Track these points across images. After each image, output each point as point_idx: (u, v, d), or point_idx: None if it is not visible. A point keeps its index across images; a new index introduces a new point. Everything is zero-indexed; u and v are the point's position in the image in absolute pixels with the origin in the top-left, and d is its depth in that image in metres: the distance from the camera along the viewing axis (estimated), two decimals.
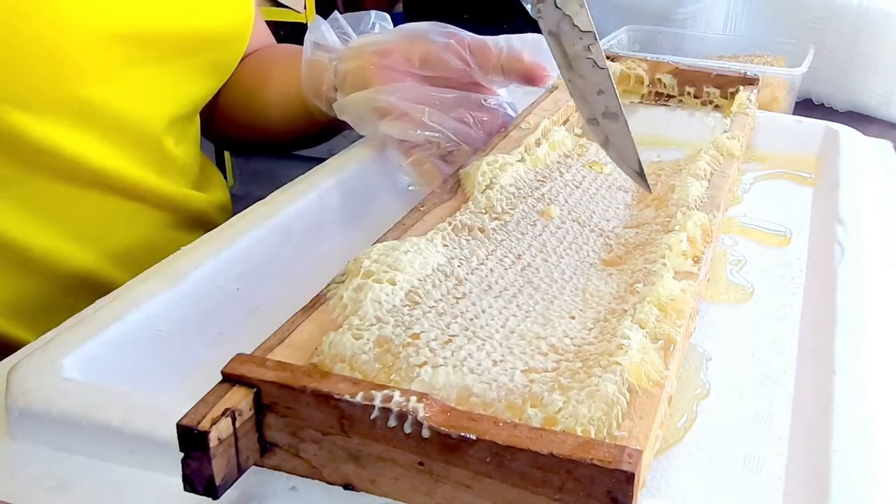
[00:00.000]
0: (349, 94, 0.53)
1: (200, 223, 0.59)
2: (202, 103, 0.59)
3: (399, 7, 2.28)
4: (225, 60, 0.59)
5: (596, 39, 0.39)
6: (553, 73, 0.53)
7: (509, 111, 0.54)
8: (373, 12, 0.61)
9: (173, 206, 0.56)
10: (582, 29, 0.39)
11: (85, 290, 0.46)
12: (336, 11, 0.60)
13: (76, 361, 0.33)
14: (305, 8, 2.12)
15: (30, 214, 0.49)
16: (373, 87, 0.52)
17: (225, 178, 0.71)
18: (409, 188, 0.57)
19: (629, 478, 0.24)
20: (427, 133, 0.50)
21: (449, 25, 0.54)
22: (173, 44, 0.52)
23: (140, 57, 0.50)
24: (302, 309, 0.33)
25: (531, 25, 0.46)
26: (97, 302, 0.39)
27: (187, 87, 0.56)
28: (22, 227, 0.49)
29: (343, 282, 0.34)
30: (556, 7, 0.39)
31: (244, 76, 0.64)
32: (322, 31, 0.58)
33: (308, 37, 0.58)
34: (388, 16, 0.61)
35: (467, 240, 0.39)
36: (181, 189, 0.57)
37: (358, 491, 0.27)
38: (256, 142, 0.70)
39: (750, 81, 0.63)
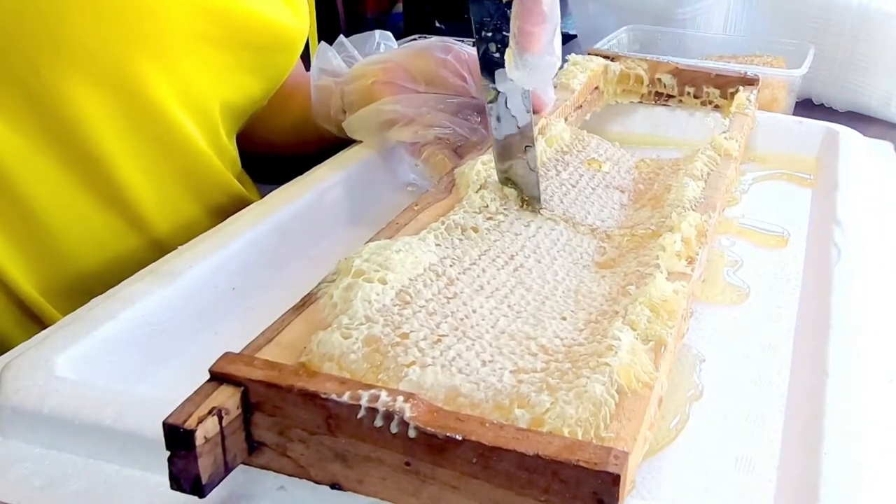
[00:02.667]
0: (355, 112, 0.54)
1: None
2: (250, 105, 0.60)
3: (398, 7, 2.28)
4: (278, 64, 0.60)
5: (533, 144, 0.42)
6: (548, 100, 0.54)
7: None
8: (377, 32, 0.62)
9: (220, 193, 0.57)
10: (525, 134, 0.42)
11: (124, 273, 0.47)
12: (341, 35, 0.61)
13: (69, 360, 0.34)
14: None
15: (91, 194, 0.49)
16: (376, 102, 0.53)
17: None
18: (409, 188, 0.57)
19: (615, 479, 0.24)
20: (436, 130, 0.52)
21: (451, 40, 0.55)
22: (242, 30, 0.54)
23: (214, 35, 0.52)
24: (292, 308, 0.33)
25: None
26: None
27: (244, 79, 0.57)
28: (83, 207, 0.49)
29: (334, 281, 0.34)
30: (506, 108, 0.42)
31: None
32: (328, 57, 0.59)
33: (315, 63, 0.59)
34: (391, 34, 0.62)
35: (460, 239, 0.39)
36: (230, 177, 0.58)
37: (345, 491, 0.27)
38: (268, 158, 0.71)
39: (750, 82, 0.63)
